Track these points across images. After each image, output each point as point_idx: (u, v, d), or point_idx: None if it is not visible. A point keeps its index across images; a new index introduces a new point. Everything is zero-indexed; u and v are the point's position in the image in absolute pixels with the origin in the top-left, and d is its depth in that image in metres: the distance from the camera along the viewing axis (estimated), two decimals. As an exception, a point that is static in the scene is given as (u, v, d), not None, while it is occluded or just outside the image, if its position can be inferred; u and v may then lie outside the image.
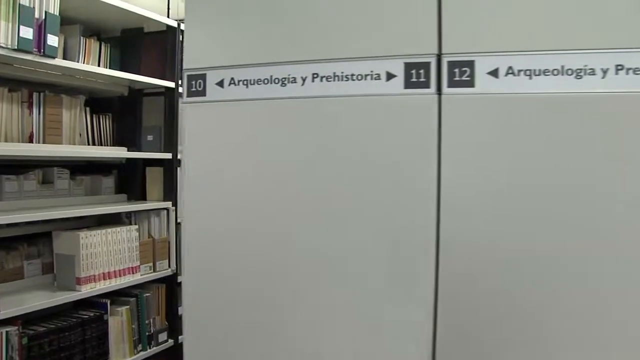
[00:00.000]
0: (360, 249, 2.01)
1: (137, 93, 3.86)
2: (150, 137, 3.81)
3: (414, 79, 2.01)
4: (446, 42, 1.96)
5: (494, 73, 1.93)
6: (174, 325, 3.79)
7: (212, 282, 2.23)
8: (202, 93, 2.18)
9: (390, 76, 2.02)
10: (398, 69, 2.02)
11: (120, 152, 3.72)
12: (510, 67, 1.91)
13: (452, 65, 1.96)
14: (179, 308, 3.84)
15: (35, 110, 3.28)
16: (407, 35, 2.01)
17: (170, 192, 3.80)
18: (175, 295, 3.80)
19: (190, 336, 2.27)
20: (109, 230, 3.40)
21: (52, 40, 3.03)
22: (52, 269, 3.35)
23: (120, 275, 3.44)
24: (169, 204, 3.75)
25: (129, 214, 3.57)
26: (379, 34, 2.03)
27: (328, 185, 2.06)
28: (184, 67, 2.21)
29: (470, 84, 1.95)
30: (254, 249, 2.15)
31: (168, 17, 3.93)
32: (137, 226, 3.57)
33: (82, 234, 3.23)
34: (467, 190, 1.92)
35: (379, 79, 2.04)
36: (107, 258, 3.37)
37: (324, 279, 2.06)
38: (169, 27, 3.77)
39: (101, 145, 3.74)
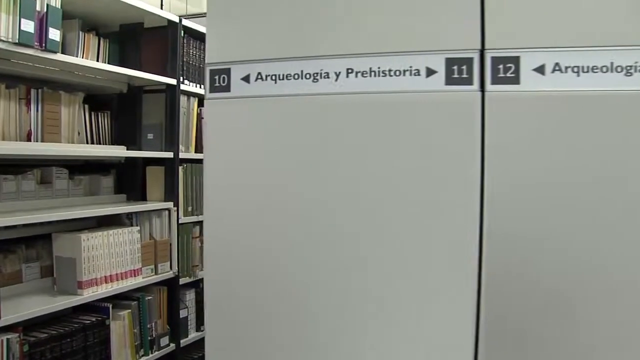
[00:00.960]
0: (402, 247, 1.89)
1: (137, 90, 3.67)
2: (150, 136, 3.62)
3: (455, 75, 1.88)
4: (490, 37, 1.84)
5: (540, 70, 1.81)
6: (176, 329, 3.62)
7: (237, 286, 2.09)
8: (226, 89, 2.00)
9: (430, 72, 1.90)
10: (439, 64, 1.90)
11: (120, 151, 3.51)
12: (557, 64, 1.79)
13: (496, 61, 1.84)
14: (181, 311, 3.64)
15: (33, 107, 3.11)
16: (448, 29, 1.87)
17: (171, 192, 3.62)
18: (177, 298, 3.62)
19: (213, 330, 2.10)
20: (111, 231, 3.22)
21: (54, 34, 2.84)
22: (52, 273, 3.18)
23: (122, 278, 3.25)
24: (170, 205, 3.57)
25: (129, 215, 3.38)
26: (418, 27, 1.91)
27: (364, 187, 1.93)
28: (207, 61, 2.03)
29: (515, 80, 1.83)
30: (282, 255, 2.02)
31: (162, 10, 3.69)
32: (138, 227, 3.38)
33: (84, 236, 3.04)
34: (512, 190, 1.81)
35: (419, 75, 1.90)
36: (108, 260, 3.18)
37: (362, 280, 1.93)
38: (170, 22, 3.59)
39: (99, 143, 3.52)
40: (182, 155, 3.68)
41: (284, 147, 1.97)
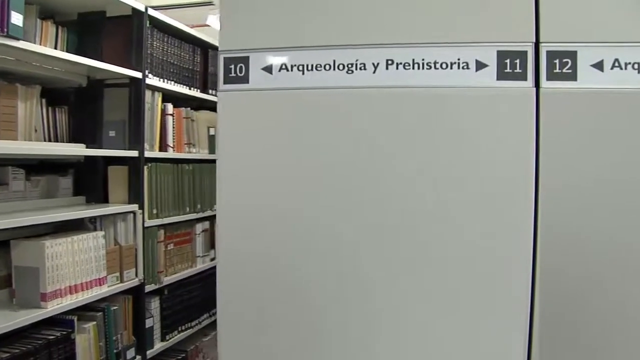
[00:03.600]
0: (451, 249, 1.66)
1: (97, 84, 3.27)
2: (112, 133, 3.22)
3: (508, 70, 1.65)
4: (545, 29, 1.63)
5: (599, 66, 1.61)
6: (142, 340, 3.23)
7: (252, 289, 1.78)
8: (244, 79, 1.66)
9: (480, 65, 1.67)
10: (490, 57, 1.67)
11: (79, 149, 3.06)
12: (616, 60, 1.60)
13: (551, 55, 1.63)
14: (147, 320, 3.22)
15: (-14, 101, 2.59)
16: (501, 19, 1.65)
17: (136, 193, 3.23)
18: (143, 307, 3.23)
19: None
20: (75, 237, 2.80)
21: (17, 18, 2.46)
22: (9, 284, 2.73)
23: (87, 288, 2.87)
24: (135, 207, 3.17)
25: (93, 219, 2.94)
26: (468, 17, 1.69)
27: (404, 190, 1.68)
28: (220, 48, 1.68)
29: (571, 77, 1.62)
30: (313, 263, 1.73)
31: None
32: (103, 232, 2.95)
33: (48, 242, 2.60)
34: (567, 191, 1.61)
35: (468, 68, 1.63)
36: (73, 269, 2.77)
37: (403, 286, 1.69)
38: (134, 10, 3.22)
39: (57, 141, 3.07)
40: (147, 154, 3.25)
41: (312, 147, 1.67)
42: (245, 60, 1.70)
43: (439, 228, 1.65)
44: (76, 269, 2.85)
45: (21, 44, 2.54)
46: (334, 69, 1.66)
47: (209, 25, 4.85)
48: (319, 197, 1.66)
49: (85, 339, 2.90)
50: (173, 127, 3.59)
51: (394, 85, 1.64)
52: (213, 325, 4.07)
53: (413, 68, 1.65)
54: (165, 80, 3.51)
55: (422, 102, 1.64)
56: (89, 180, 3.34)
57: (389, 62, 1.65)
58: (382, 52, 1.65)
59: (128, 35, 3.32)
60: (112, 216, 3.16)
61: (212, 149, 4.07)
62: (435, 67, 1.64)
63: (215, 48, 4.08)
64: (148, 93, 3.35)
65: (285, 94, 1.67)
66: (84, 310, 2.98)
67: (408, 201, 1.65)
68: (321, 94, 1.66)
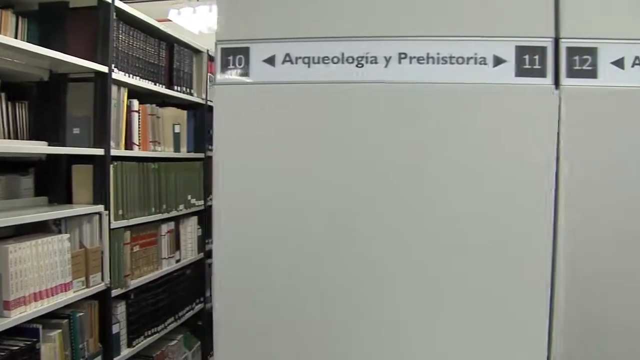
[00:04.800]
0: (467, 249, 1.54)
1: (60, 78, 3.01)
2: (76, 130, 2.97)
3: (526, 66, 1.54)
4: (565, 25, 1.52)
5: (619, 63, 1.51)
6: (108, 346, 2.99)
7: (251, 293, 1.61)
8: (244, 72, 1.49)
9: (498, 61, 1.56)
10: (508, 52, 1.56)
11: (41, 147, 2.80)
12: (637, 57, 1.50)
13: (571, 51, 1.52)
14: (113, 326, 3.00)
15: (-58, 95, 2.35)
16: (520, 13, 1.53)
17: (101, 193, 2.98)
18: (110, 313, 3.00)
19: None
20: (39, 240, 2.56)
21: None
22: (-33, 291, 2.41)
23: (52, 295, 2.63)
24: (101, 208, 2.94)
25: (57, 221, 2.69)
26: (486, 9, 1.57)
27: (418, 189, 1.56)
28: (217, 38, 1.50)
29: (592, 74, 1.52)
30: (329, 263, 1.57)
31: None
32: (68, 235, 2.70)
33: (11, 247, 2.36)
34: (591, 191, 1.51)
35: (485, 63, 1.50)
36: (37, 275, 2.54)
37: (416, 295, 1.57)
38: (101, 2, 2.94)
39: (16, 138, 2.81)
40: (113, 152, 3.02)
41: (317, 146, 1.50)
42: (245, 52, 1.52)
43: (452, 229, 1.54)
44: (41, 274, 2.62)
45: (-18, 34, 2.28)
46: (343, 62, 1.51)
47: (170, 20, 4.62)
48: (325, 200, 1.50)
49: (51, 348, 2.67)
50: (139, 125, 3.36)
51: (407, 80, 1.50)
52: (179, 329, 3.87)
53: (427, 62, 1.51)
54: (131, 75, 3.28)
55: (437, 99, 1.51)
56: (51, 179, 3.09)
57: (402, 55, 1.51)
58: (395, 45, 1.51)
59: (93, 27, 3.09)
60: (77, 218, 2.92)
61: (177, 147, 3.86)
62: (450, 62, 1.51)
63: (180, 43, 3.88)
64: (114, 88, 3.11)
65: (289, 88, 1.51)
66: (48, 318, 2.73)
67: (420, 202, 1.52)
68: (328, 89, 1.50)
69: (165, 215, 3.66)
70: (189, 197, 3.99)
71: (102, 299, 3.05)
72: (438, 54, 1.51)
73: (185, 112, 4.03)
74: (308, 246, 1.52)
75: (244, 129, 1.52)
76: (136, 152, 3.35)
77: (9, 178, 2.93)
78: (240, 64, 1.52)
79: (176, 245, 3.84)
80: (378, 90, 1.50)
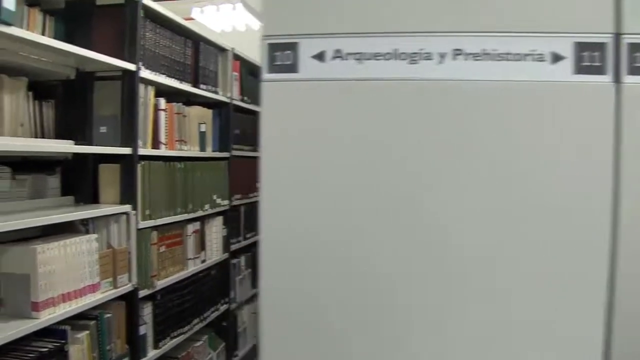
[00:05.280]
0: (521, 251, 1.47)
1: (87, 76, 2.95)
2: (103, 129, 2.93)
3: (585, 63, 1.46)
4: (627, 20, 1.44)
5: None
6: (135, 348, 2.93)
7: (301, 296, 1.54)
8: (292, 68, 1.42)
9: (556, 58, 1.48)
10: (567, 49, 1.48)
11: (68, 146, 2.76)
12: None
13: (633, 48, 1.45)
14: (140, 327, 2.95)
15: (-29, 93, 2.31)
16: (579, 8, 1.46)
17: (129, 193, 2.93)
18: (137, 314, 2.95)
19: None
20: (68, 241, 2.50)
21: (9, 2, 2.13)
22: (-5, 292, 2.38)
23: (80, 296, 2.57)
24: (128, 208, 2.87)
25: (85, 221, 2.64)
26: (543, 4, 1.48)
27: (475, 190, 1.48)
28: (265, 32, 1.43)
29: None
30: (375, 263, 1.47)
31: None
32: (96, 235, 2.65)
33: (40, 248, 2.31)
34: None
35: (542, 60, 1.42)
36: (66, 276, 2.47)
37: (467, 293, 1.49)
38: (128, -1, 2.86)
39: (43, 137, 2.76)
40: (140, 151, 2.97)
41: (369, 145, 1.43)
42: (294, 47, 1.46)
43: (509, 232, 1.47)
44: (69, 275, 2.57)
45: (14, 31, 2.25)
46: (395, 59, 1.44)
47: (193, 19, 4.57)
48: (374, 204, 1.44)
49: (79, 350, 2.63)
50: (165, 124, 3.31)
51: (462, 77, 1.44)
52: (203, 330, 3.82)
53: (483, 59, 1.45)
54: (157, 73, 3.23)
55: (492, 97, 1.43)
56: (77, 179, 3.04)
57: (457, 52, 1.44)
58: (450, 41, 1.44)
59: (119, 25, 3.04)
60: (104, 218, 2.87)
61: (202, 146, 3.81)
62: (507, 59, 1.44)
63: (206, 41, 3.83)
64: (141, 87, 3.07)
65: (339, 85, 1.45)
66: (76, 319, 2.68)
67: (477, 203, 1.46)
68: (380, 86, 1.44)
69: (191, 215, 3.61)
70: (215, 196, 3.94)
71: (129, 300, 3.00)
72: (494, 50, 1.44)
73: (210, 111, 3.98)
74: (355, 252, 1.46)
75: (292, 127, 1.46)
76: (163, 151, 3.30)
77: (35, 177, 2.89)
78: (288, 60, 1.46)
79: (201, 245, 3.79)
80: (432, 88, 1.43)
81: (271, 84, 1.47)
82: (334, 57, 1.46)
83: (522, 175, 1.43)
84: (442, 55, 1.44)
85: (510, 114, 1.44)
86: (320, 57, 1.46)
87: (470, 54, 1.44)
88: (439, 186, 1.43)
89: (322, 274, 1.48)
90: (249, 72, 4.51)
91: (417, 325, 1.48)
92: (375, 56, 1.44)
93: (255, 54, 4.58)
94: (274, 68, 1.47)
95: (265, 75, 1.47)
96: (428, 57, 1.44)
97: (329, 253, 1.46)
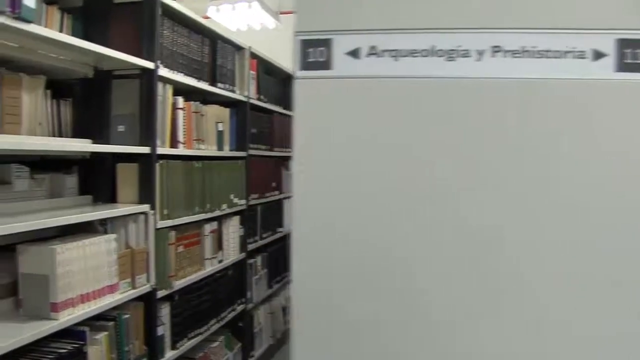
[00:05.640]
0: (561, 254, 1.42)
1: (105, 75, 2.90)
2: (121, 128, 2.89)
3: (628, 60, 1.40)
4: None
5: None
6: (154, 349, 2.91)
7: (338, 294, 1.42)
8: (326, 65, 1.37)
9: (598, 55, 1.43)
10: (609, 46, 1.43)
11: (85, 145, 2.72)
12: None
13: None
14: (158, 328, 2.91)
15: (-11, 91, 2.28)
16: (620, 4, 1.40)
17: (147, 193, 2.88)
18: (155, 315, 2.91)
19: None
20: (87, 241, 2.46)
21: (29, 0, 2.05)
22: (13, 292, 2.42)
23: (99, 296, 2.53)
24: (146, 208, 2.83)
25: (103, 221, 2.60)
26: (585, 0, 1.32)
27: (512, 188, 1.44)
28: (296, 28, 1.38)
29: None
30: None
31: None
32: (115, 235, 2.62)
33: (59, 248, 2.27)
34: None
35: (584, 57, 1.36)
36: (85, 276, 2.44)
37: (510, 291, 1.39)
38: (146, -3, 2.83)
39: (61, 136, 2.73)
40: (158, 150, 2.93)
41: (404, 144, 1.36)
42: (328, 44, 1.42)
43: (549, 233, 1.44)
44: (88, 275, 2.53)
45: (34, 28, 2.22)
46: (432, 56, 1.39)
47: (209, 17, 4.54)
48: (409, 208, 1.39)
49: (98, 351, 2.59)
50: (183, 122, 3.27)
51: (500, 75, 1.39)
52: (220, 331, 3.78)
53: (522, 56, 1.40)
54: (175, 72, 3.19)
55: (532, 96, 1.38)
56: (95, 178, 3.01)
57: (496, 49, 1.39)
58: (488, 38, 1.39)
59: (137, 23, 3.01)
60: (123, 217, 2.84)
61: (220, 146, 3.77)
62: (547, 56, 1.40)
63: (224, 40, 3.79)
64: (159, 85, 3.03)
65: (374, 83, 1.40)
66: (94, 320, 2.65)
67: (515, 204, 1.40)
68: (416, 84, 1.39)
69: (209, 215, 3.57)
70: (232, 196, 3.90)
71: (147, 301, 2.97)
72: (534, 47, 1.39)
73: (227, 110, 3.95)
74: (389, 252, 1.42)
75: (326, 125, 1.42)
76: (181, 150, 3.26)
77: (53, 177, 2.86)
78: (322, 57, 1.42)
79: (219, 245, 3.75)
80: (469, 86, 1.38)
81: (304, 81, 1.43)
82: (369, 54, 1.41)
83: (562, 175, 1.39)
84: (480, 53, 1.39)
85: (550, 112, 1.39)
86: (354, 53, 1.41)
87: (509, 51, 1.39)
88: (477, 187, 1.38)
89: (354, 275, 1.44)
90: (266, 71, 4.48)
91: (453, 328, 1.44)
92: (412, 53, 1.39)
93: (271, 52, 4.56)
94: (307, 65, 1.42)
95: (298, 72, 1.43)
96: (466, 54, 1.39)
97: (362, 254, 1.42)
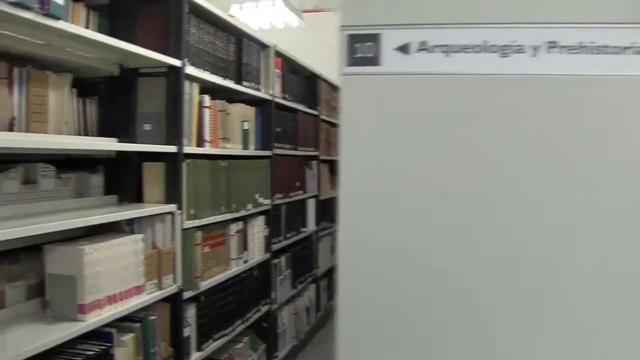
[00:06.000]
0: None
1: (131, 72, 2.84)
2: (147, 127, 2.84)
3: None
4: None
5: None
6: (180, 351, 2.85)
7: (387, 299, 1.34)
8: (374, 61, 1.31)
9: None
10: None
11: (111, 144, 2.67)
12: None
13: None
14: (184, 330, 2.85)
15: (16, 89, 2.30)
16: None
17: (174, 192, 2.83)
18: (181, 316, 2.86)
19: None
20: (114, 241, 2.40)
21: None
22: (39, 293, 2.39)
23: (126, 297, 2.48)
24: (174, 207, 2.78)
25: (131, 221, 2.55)
26: None
27: (572, 189, 1.36)
28: (343, 23, 1.31)
29: None
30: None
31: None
32: (142, 235, 2.56)
33: (87, 248, 2.22)
34: None
35: (645, 53, 1.23)
36: (112, 277, 2.37)
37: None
38: (173, -7, 2.77)
39: (86, 135, 2.68)
40: (185, 149, 2.88)
41: (456, 143, 1.30)
42: (376, 38, 1.35)
43: (616, 235, 1.35)
44: (115, 276, 2.49)
45: (62, 25, 2.17)
46: (485, 52, 1.32)
47: (232, 16, 4.48)
48: (461, 209, 1.32)
49: (124, 353, 2.54)
50: (210, 121, 3.22)
51: (556, 72, 1.30)
52: (244, 332, 3.73)
53: (580, 52, 1.32)
54: (202, 70, 3.14)
55: (590, 93, 1.30)
56: (121, 177, 2.96)
57: (551, 44, 1.32)
58: (544, 33, 1.31)
59: (164, 21, 2.95)
60: (149, 217, 2.78)
61: (245, 144, 3.71)
62: (605, 52, 1.31)
63: (249, 37, 3.73)
64: (186, 83, 2.98)
65: (425, 80, 1.33)
66: (120, 321, 2.60)
67: (577, 206, 1.32)
68: (469, 81, 1.32)
69: (235, 215, 3.52)
70: (257, 196, 3.85)
71: (173, 302, 2.92)
72: (592, 42, 1.32)
73: (253, 108, 3.89)
74: (441, 257, 1.35)
75: (374, 124, 1.35)
76: (207, 149, 3.21)
77: (79, 176, 2.81)
78: (370, 52, 1.35)
79: (244, 245, 3.70)
80: (524, 83, 1.31)
81: (351, 78, 1.36)
82: (419, 50, 1.34)
83: (624, 175, 1.31)
84: (536, 48, 1.32)
85: (610, 110, 1.31)
86: (404, 49, 1.35)
87: (566, 46, 1.32)
88: (534, 188, 1.31)
89: (403, 283, 1.37)
90: (290, 70, 4.42)
91: (496, 331, 1.37)
92: (464, 48, 1.32)
93: (294, 51, 4.50)
94: (354, 60, 1.36)
95: (345, 68, 1.36)
96: (520, 49, 1.32)
97: (412, 259, 1.35)
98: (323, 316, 5.57)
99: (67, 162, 2.82)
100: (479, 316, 1.35)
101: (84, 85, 2.81)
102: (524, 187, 1.29)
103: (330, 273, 5.74)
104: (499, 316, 1.34)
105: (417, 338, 1.37)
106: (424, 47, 1.32)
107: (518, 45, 1.31)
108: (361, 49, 1.34)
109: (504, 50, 1.31)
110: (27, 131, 2.35)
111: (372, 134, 1.34)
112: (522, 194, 1.30)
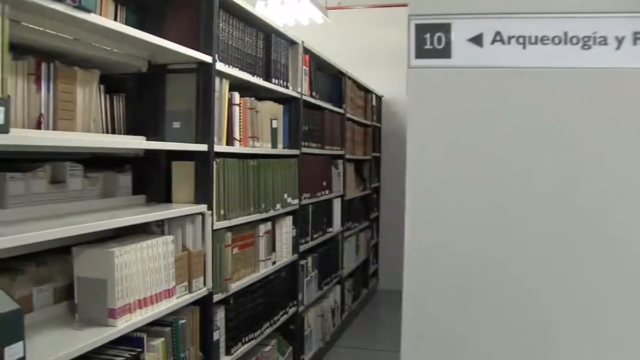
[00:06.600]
0: None
1: (159, 69, 2.74)
2: (176, 125, 2.73)
3: None
4: None
5: None
6: (209, 355, 2.76)
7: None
8: (444, 53, 1.19)
9: None
10: None
11: (140, 142, 2.57)
12: None
13: None
14: (214, 333, 2.75)
15: (44, 86, 2.20)
16: None
17: (204, 192, 2.73)
18: (211, 319, 2.76)
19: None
20: (144, 243, 2.31)
21: None
22: (68, 296, 2.31)
23: (156, 301, 2.38)
24: (204, 208, 2.67)
25: (160, 222, 2.44)
26: None
27: None
28: (411, 12, 1.19)
29: None
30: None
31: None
32: (172, 237, 2.46)
33: (117, 251, 2.12)
34: None
35: None
36: (142, 280, 2.28)
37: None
38: (204, -12, 2.67)
39: (114, 133, 2.58)
40: (216, 148, 2.77)
41: (534, 142, 1.17)
42: (446, 29, 1.23)
43: None
44: (145, 279, 2.39)
45: (93, 18, 2.07)
46: (565, 43, 1.20)
47: (258, 12, 4.37)
48: (546, 210, 1.20)
49: (154, 358, 2.45)
50: (239, 119, 3.11)
51: (642, 65, 1.17)
52: (271, 334, 3.62)
53: (670, 43, 1.18)
54: (231, 66, 3.03)
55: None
56: (149, 177, 2.86)
57: (637, 35, 1.18)
58: (629, 23, 1.19)
59: (193, 16, 2.85)
60: (179, 218, 2.68)
61: (274, 143, 3.60)
62: (699, 42, 1.17)
63: (278, 34, 3.62)
64: (216, 80, 2.87)
65: (500, 74, 1.21)
66: (150, 325, 2.50)
67: None
68: (548, 75, 1.19)
69: (264, 215, 3.41)
70: (285, 195, 3.74)
71: (203, 305, 2.81)
72: (683, 31, 1.19)
73: (281, 106, 3.78)
74: (507, 278, 1.23)
75: (444, 121, 1.24)
76: (237, 148, 3.10)
77: (106, 175, 2.72)
78: (440, 44, 1.23)
79: (272, 246, 3.59)
80: (608, 78, 1.19)
81: (419, 71, 1.24)
82: (494, 41, 1.22)
83: None
84: (620, 40, 1.20)
85: None
86: (477, 40, 1.23)
87: (655, 36, 1.19)
88: (628, 194, 1.19)
89: (467, 291, 1.26)
90: (317, 67, 4.31)
91: (561, 342, 1.25)
92: (542, 40, 1.20)
93: (320, 48, 4.38)
94: (423, 52, 1.24)
95: (413, 60, 1.25)
96: (603, 41, 1.20)
97: (486, 267, 1.23)
98: (348, 317, 5.46)
99: (92, 161, 2.72)
100: (548, 327, 1.24)
101: (112, 82, 2.72)
102: (615, 190, 1.17)
103: (354, 274, 5.63)
104: (566, 325, 1.23)
105: (482, 349, 1.26)
106: (498, 39, 1.20)
107: (601, 37, 1.19)
108: (430, 39, 1.22)
109: (586, 42, 1.19)
110: (54, 129, 2.26)
111: (441, 133, 1.22)
112: (614, 199, 1.18)
